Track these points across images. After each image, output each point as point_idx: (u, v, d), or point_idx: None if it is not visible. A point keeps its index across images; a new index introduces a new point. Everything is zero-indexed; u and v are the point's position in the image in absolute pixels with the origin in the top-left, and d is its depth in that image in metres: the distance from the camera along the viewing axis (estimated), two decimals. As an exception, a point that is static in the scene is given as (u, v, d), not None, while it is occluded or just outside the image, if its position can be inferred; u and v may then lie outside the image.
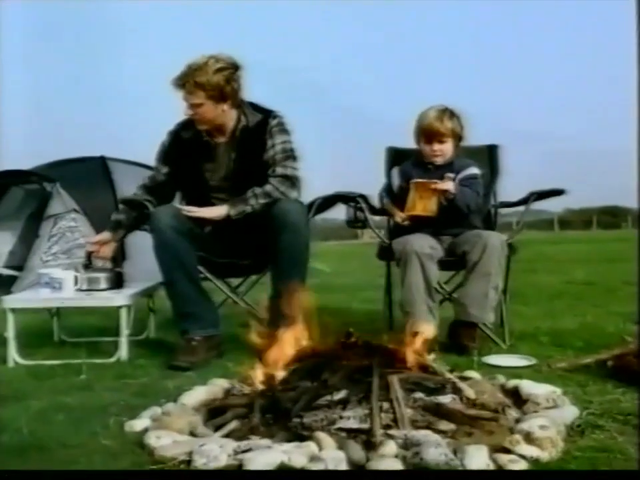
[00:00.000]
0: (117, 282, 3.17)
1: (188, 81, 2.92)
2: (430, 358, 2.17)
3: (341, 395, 1.91)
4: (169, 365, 2.79)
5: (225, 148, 3.07)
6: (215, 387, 2.26)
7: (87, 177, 7.05)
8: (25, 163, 7.48)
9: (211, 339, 2.93)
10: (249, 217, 2.98)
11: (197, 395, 2.17)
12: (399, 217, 3.18)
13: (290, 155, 3.05)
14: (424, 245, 3.02)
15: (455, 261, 3.14)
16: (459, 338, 3.00)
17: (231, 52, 3.03)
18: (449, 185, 3.10)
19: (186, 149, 3.10)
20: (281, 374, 2.03)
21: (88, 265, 3.18)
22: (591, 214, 45.04)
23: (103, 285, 3.12)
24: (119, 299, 2.95)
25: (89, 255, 3.20)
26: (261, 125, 3.06)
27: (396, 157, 3.48)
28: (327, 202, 3.18)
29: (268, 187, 2.97)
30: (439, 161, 3.21)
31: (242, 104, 3.07)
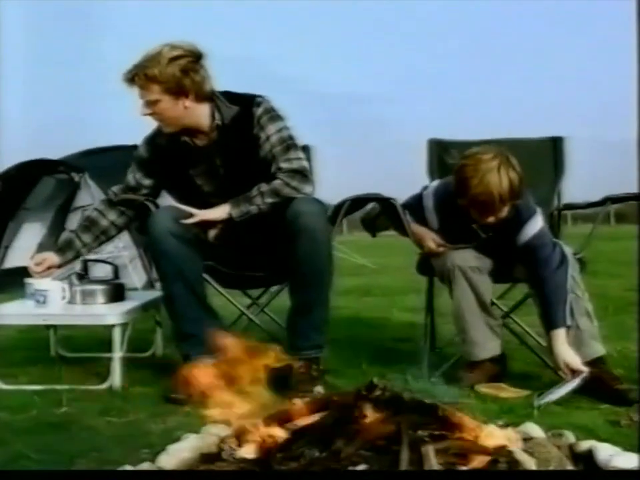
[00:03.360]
0: (117, 295, 2.76)
1: (137, 74, 2.45)
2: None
3: (358, 469, 1.45)
4: (165, 397, 2.37)
5: (207, 151, 2.59)
6: (207, 439, 1.80)
7: (118, 166, 6.70)
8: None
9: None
10: (264, 220, 2.53)
11: (180, 451, 1.72)
12: (432, 243, 2.57)
13: (290, 145, 2.55)
14: (467, 256, 2.50)
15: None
16: (601, 385, 2.34)
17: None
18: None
19: (167, 157, 2.64)
20: (282, 435, 1.58)
21: (83, 276, 2.78)
22: (650, 207, 43.37)
23: (100, 299, 2.71)
24: (111, 316, 2.53)
25: (85, 264, 2.80)
26: (242, 117, 2.56)
27: (440, 150, 2.99)
28: (357, 203, 2.70)
29: (276, 183, 2.50)
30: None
31: (214, 98, 2.57)
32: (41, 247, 6.81)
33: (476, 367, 2.52)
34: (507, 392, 2.43)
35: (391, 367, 2.75)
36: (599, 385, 2.34)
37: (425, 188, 2.70)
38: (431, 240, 2.58)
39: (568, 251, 2.47)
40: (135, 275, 5.87)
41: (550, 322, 2.41)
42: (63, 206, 7.11)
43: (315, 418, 1.59)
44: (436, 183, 2.70)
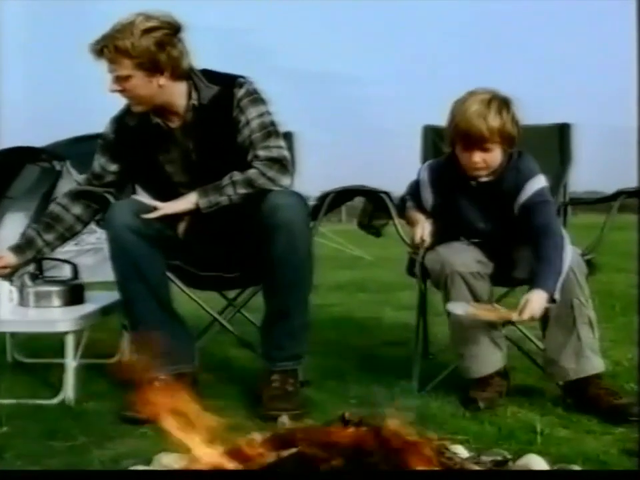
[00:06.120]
0: (75, 298, 2.49)
1: (107, 45, 2.18)
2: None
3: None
4: (120, 415, 2.10)
5: (180, 134, 2.34)
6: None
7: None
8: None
9: (182, 377, 2.22)
10: (237, 215, 2.27)
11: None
12: (420, 231, 2.34)
13: (271, 131, 2.30)
14: (468, 260, 2.22)
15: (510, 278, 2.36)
16: (598, 401, 2.11)
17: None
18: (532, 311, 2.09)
19: (135, 139, 2.37)
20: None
21: (37, 276, 2.51)
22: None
23: (56, 301, 2.45)
24: (63, 322, 2.26)
25: (40, 263, 2.54)
26: (221, 98, 2.31)
27: (435, 137, 2.73)
28: (343, 196, 2.43)
29: (251, 172, 2.24)
30: (483, 175, 2.25)
31: (192, 76, 2.32)
32: (23, 237, 6.55)
33: (486, 384, 2.25)
34: (494, 312, 2.20)
35: (379, 378, 2.50)
36: (597, 403, 2.10)
37: None
38: (421, 229, 2.34)
39: (576, 251, 2.19)
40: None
41: (536, 282, 2.11)
42: (47, 195, 6.86)
43: (274, 457, 1.32)
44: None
